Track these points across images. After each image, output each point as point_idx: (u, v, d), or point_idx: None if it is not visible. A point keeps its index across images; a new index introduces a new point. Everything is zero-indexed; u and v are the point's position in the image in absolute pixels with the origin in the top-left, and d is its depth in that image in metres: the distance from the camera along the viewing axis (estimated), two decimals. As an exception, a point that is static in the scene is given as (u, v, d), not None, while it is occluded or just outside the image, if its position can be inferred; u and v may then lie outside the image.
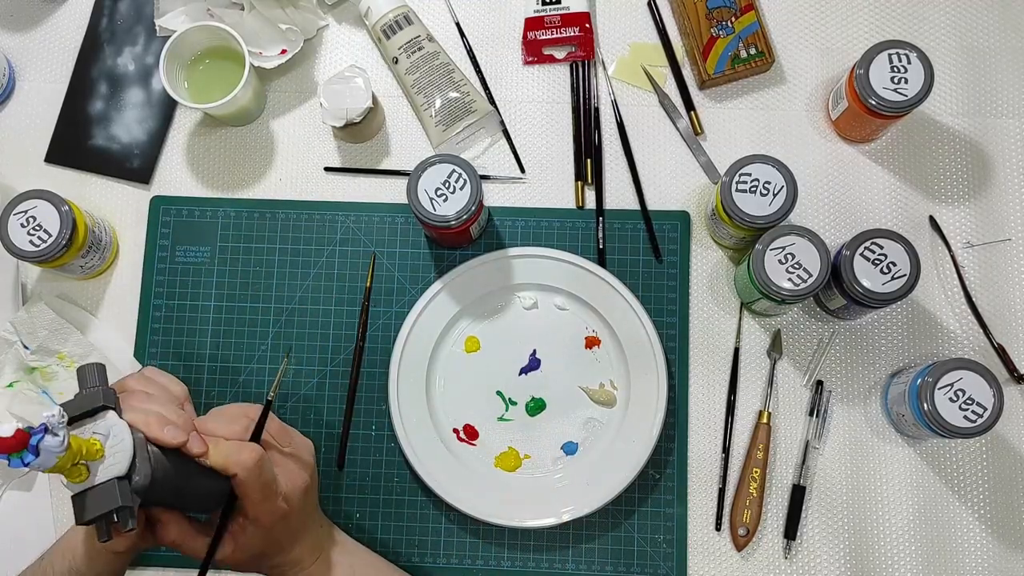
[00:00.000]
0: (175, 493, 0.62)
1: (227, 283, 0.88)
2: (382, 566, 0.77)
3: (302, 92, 0.93)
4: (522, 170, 0.90)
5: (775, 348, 0.85)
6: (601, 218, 0.88)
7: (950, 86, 0.90)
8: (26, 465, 0.52)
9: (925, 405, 0.75)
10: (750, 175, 0.79)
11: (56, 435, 0.53)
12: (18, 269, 0.88)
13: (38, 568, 0.70)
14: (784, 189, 0.78)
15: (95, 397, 0.60)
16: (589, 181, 0.89)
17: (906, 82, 0.80)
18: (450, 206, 0.78)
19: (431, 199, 0.78)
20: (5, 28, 0.95)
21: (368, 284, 0.87)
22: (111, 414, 0.59)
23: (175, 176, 0.91)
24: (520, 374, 0.86)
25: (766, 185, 0.78)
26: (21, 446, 0.51)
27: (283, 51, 0.90)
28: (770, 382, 0.85)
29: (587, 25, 0.92)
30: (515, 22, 0.93)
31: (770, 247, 0.77)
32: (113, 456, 0.58)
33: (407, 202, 0.78)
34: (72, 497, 0.57)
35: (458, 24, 0.93)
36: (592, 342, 0.86)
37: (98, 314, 0.88)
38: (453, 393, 0.85)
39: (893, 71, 0.81)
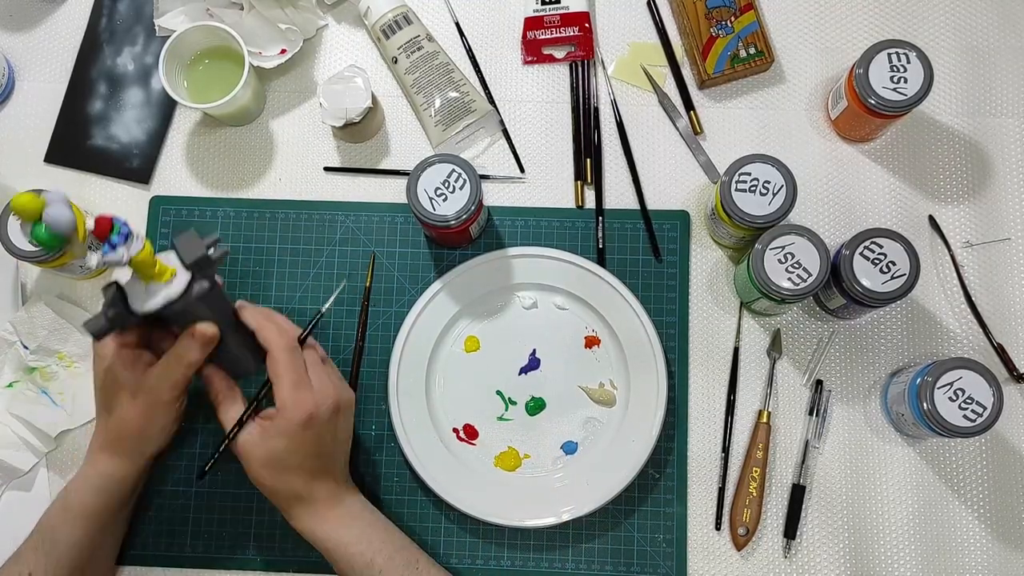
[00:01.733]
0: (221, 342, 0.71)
1: (227, 283, 0.88)
2: (399, 540, 0.76)
3: (302, 92, 0.93)
4: (522, 170, 0.90)
5: (775, 348, 0.85)
6: (601, 218, 0.88)
7: (950, 86, 0.90)
8: (113, 248, 0.62)
9: (925, 404, 0.75)
10: (750, 175, 0.79)
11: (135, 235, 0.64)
12: (18, 269, 0.88)
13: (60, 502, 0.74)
14: (784, 189, 0.78)
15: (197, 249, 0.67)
16: (589, 181, 0.89)
17: (905, 81, 0.80)
18: (450, 206, 0.78)
19: (431, 199, 0.78)
20: (5, 28, 0.95)
21: (368, 284, 0.87)
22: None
23: (175, 176, 0.91)
24: (520, 374, 0.86)
25: (766, 185, 0.78)
26: (109, 229, 0.62)
27: (283, 51, 0.90)
28: (770, 382, 0.85)
29: (587, 25, 0.92)
30: (515, 22, 0.93)
31: (770, 247, 0.77)
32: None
33: (407, 202, 0.78)
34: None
35: (458, 24, 0.93)
36: (592, 342, 0.86)
37: (98, 314, 0.88)
38: (453, 393, 0.85)
39: (893, 70, 0.81)
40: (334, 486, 0.74)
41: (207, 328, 0.69)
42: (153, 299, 0.67)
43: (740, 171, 0.79)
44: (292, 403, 0.69)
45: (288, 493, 0.72)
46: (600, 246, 0.87)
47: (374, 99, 0.88)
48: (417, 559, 0.75)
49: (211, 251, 0.67)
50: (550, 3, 0.93)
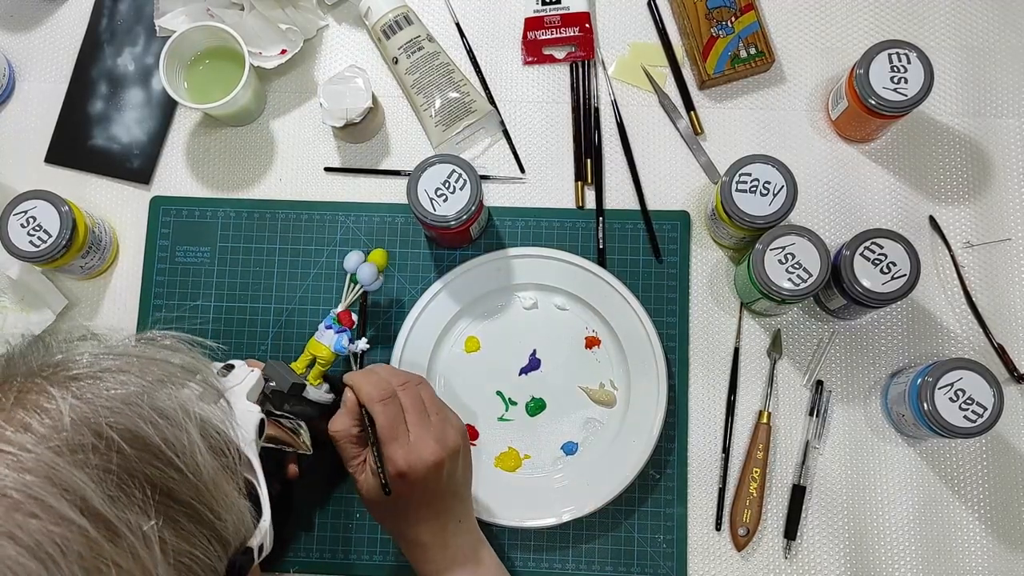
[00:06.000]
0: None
1: (227, 283, 0.88)
2: None
3: (302, 92, 0.93)
4: (522, 170, 0.90)
5: (775, 348, 0.85)
6: (601, 218, 0.88)
7: (950, 86, 0.90)
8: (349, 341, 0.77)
9: (925, 405, 0.75)
10: (750, 175, 0.79)
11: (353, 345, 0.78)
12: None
13: None
14: (784, 189, 0.78)
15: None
16: (589, 181, 0.89)
17: (906, 82, 0.80)
18: (450, 206, 0.78)
19: (431, 199, 0.78)
20: (5, 28, 0.95)
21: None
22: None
23: (175, 176, 0.91)
24: (520, 374, 0.86)
25: (766, 185, 0.78)
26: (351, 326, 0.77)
27: (283, 51, 0.90)
28: (770, 382, 0.85)
29: (587, 25, 0.92)
30: (515, 22, 0.93)
31: (770, 247, 0.77)
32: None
33: (407, 202, 0.78)
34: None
35: (458, 24, 0.93)
36: (592, 342, 0.86)
37: (98, 314, 0.89)
38: (453, 393, 0.85)
39: (893, 71, 0.81)
40: (440, 526, 0.70)
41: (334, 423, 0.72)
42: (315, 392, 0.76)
43: (740, 171, 0.79)
44: (386, 458, 0.68)
45: (400, 540, 0.71)
46: (600, 246, 0.87)
47: (374, 99, 0.88)
48: None
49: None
50: (550, 3, 0.93)
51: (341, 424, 0.71)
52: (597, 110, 0.91)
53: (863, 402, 0.85)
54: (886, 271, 0.77)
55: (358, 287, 0.77)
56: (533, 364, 0.86)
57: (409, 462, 0.67)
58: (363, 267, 0.77)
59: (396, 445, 0.68)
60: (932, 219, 0.87)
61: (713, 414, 0.85)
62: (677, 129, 0.90)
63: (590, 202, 0.89)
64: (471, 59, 0.93)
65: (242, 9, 0.90)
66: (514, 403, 0.85)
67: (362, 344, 0.79)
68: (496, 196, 0.90)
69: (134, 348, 0.50)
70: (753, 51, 0.89)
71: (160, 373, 0.49)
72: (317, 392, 0.76)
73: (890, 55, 0.81)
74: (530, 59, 0.92)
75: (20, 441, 0.42)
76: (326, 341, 0.76)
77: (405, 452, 0.68)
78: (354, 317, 0.78)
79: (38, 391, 0.44)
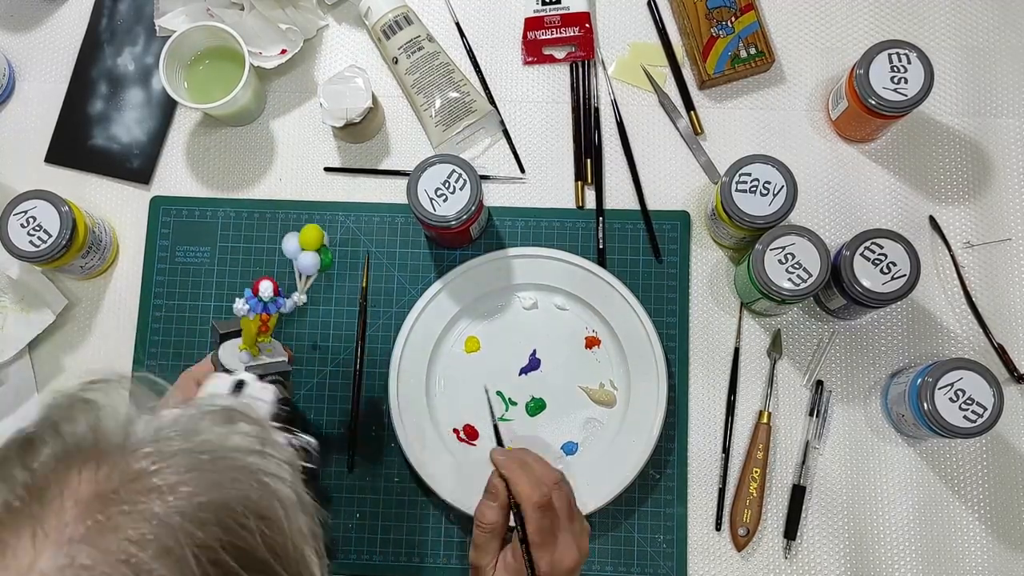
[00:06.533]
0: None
1: (227, 283, 0.88)
2: None
3: (302, 92, 0.93)
4: (522, 170, 0.90)
5: (775, 348, 0.85)
6: (601, 218, 0.88)
7: (950, 86, 0.90)
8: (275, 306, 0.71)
9: (925, 405, 0.75)
10: (750, 175, 0.79)
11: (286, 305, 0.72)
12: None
13: None
14: (784, 189, 0.78)
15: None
16: (589, 181, 0.89)
17: (906, 82, 0.80)
18: (450, 206, 0.78)
19: (431, 199, 0.78)
20: (5, 28, 0.95)
21: (363, 284, 0.87)
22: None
23: (175, 176, 0.91)
24: (520, 374, 0.86)
25: (766, 185, 0.78)
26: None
27: (283, 51, 0.90)
28: (770, 382, 0.85)
29: (587, 25, 0.92)
30: (515, 22, 0.93)
31: (770, 247, 0.77)
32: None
33: (407, 202, 0.78)
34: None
35: (458, 24, 0.93)
36: (592, 342, 0.86)
37: (98, 314, 0.89)
38: (453, 393, 0.85)
39: (893, 71, 0.81)
40: None
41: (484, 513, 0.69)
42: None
43: (740, 171, 0.79)
44: (548, 564, 0.67)
45: None
46: (600, 246, 0.87)
47: (374, 99, 0.88)
48: None
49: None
50: (550, 3, 0.93)
51: (494, 517, 0.68)
52: (597, 110, 0.91)
53: (863, 402, 0.85)
54: (886, 271, 0.77)
55: (307, 277, 0.73)
56: (533, 364, 0.86)
57: (553, 568, 0.67)
58: (301, 257, 0.72)
59: (543, 551, 0.67)
60: (932, 219, 0.87)
61: (713, 414, 0.85)
62: (677, 129, 0.90)
63: (590, 202, 0.89)
64: (471, 59, 0.93)
65: (242, 9, 0.90)
66: (514, 403, 0.85)
67: (297, 298, 0.73)
68: (496, 196, 0.90)
69: (212, 433, 0.44)
70: (753, 51, 0.89)
71: (247, 467, 0.43)
72: (277, 360, 0.73)
73: (890, 55, 0.81)
74: (530, 59, 0.92)
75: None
76: (251, 315, 0.71)
77: (551, 558, 0.67)
78: (263, 284, 0.71)
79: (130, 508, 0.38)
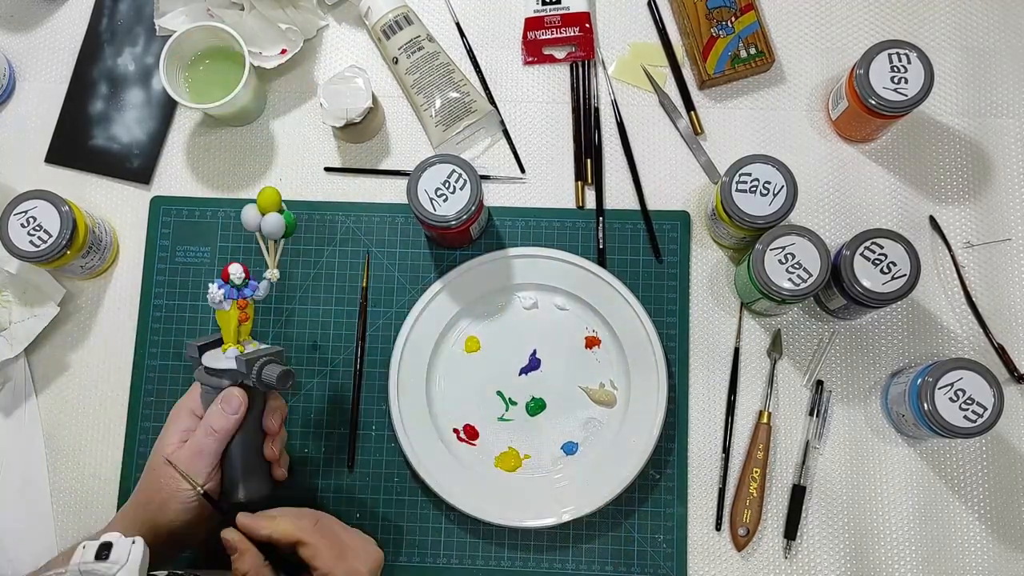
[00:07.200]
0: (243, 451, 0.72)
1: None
2: None
3: (302, 92, 0.93)
4: (522, 170, 0.90)
5: (775, 348, 0.85)
6: (601, 218, 0.88)
7: (950, 86, 0.90)
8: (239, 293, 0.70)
9: (925, 405, 0.75)
10: (750, 175, 0.79)
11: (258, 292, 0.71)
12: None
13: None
14: (784, 189, 0.78)
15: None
16: (589, 181, 0.89)
17: (906, 82, 0.80)
18: (450, 206, 0.78)
19: (431, 199, 0.78)
20: (5, 28, 0.95)
21: (364, 284, 0.87)
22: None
23: (175, 176, 0.91)
24: (520, 374, 0.86)
25: (766, 185, 0.78)
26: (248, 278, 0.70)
27: (283, 51, 0.90)
28: (770, 382, 0.85)
29: (587, 25, 0.92)
30: (515, 22, 0.93)
31: (770, 247, 0.77)
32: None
33: (407, 202, 0.78)
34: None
35: (458, 24, 0.93)
36: (592, 342, 0.86)
37: (98, 314, 0.89)
38: (453, 393, 0.85)
39: (893, 71, 0.81)
40: None
41: (241, 564, 0.66)
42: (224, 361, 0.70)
43: (740, 171, 0.79)
44: (345, 573, 0.67)
45: None
46: (600, 246, 0.87)
47: (374, 99, 0.88)
48: None
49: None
50: (550, 3, 0.93)
51: (251, 562, 0.65)
52: (597, 110, 0.91)
53: (863, 402, 0.85)
54: (886, 271, 0.77)
55: (278, 242, 0.72)
56: (533, 364, 0.86)
57: (371, 568, 0.69)
58: (265, 220, 0.70)
59: (349, 556, 0.68)
60: (932, 219, 0.87)
61: (713, 414, 0.85)
62: (677, 129, 0.90)
63: (590, 202, 0.89)
64: (471, 59, 0.93)
65: (242, 9, 0.90)
66: (514, 403, 0.85)
67: (270, 275, 0.73)
68: (496, 196, 0.90)
69: None
70: (753, 51, 0.89)
71: None
72: (265, 345, 0.73)
73: (890, 55, 0.81)
74: (530, 59, 0.92)
75: None
76: (227, 305, 0.70)
77: (359, 560, 0.68)
78: (232, 267, 0.70)
79: None
